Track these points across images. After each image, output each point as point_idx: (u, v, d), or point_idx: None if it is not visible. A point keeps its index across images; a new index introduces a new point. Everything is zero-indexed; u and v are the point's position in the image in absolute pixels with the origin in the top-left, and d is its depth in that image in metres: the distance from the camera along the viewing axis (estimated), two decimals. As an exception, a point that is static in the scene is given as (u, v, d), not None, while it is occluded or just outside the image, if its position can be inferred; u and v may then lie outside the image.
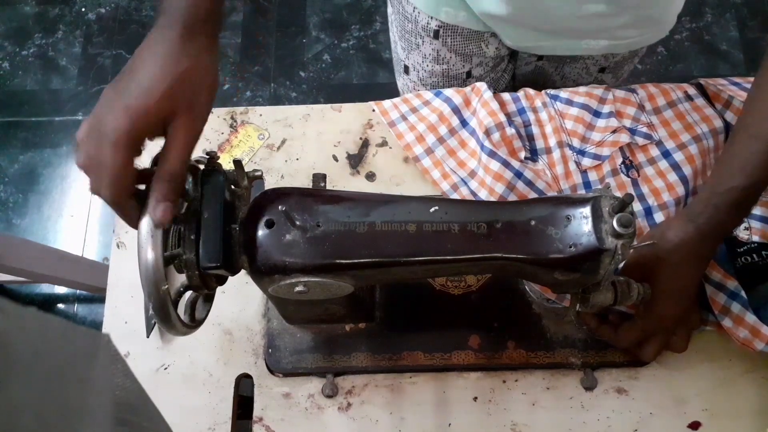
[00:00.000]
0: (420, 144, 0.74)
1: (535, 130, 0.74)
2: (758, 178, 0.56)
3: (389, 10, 0.86)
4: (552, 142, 0.73)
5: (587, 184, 0.71)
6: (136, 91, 0.43)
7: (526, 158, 0.72)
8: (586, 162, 0.72)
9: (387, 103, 0.78)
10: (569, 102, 0.75)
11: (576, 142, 0.73)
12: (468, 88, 0.76)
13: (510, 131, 0.72)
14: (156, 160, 0.70)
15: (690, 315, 0.64)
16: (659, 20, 0.76)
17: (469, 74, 0.84)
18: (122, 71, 0.45)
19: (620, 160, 0.72)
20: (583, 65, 0.83)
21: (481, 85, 0.75)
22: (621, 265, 0.66)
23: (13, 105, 1.78)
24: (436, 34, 0.79)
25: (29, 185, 1.70)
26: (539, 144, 0.74)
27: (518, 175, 0.69)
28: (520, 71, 0.91)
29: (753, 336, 0.63)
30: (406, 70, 0.89)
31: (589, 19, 0.72)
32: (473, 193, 0.71)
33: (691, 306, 0.63)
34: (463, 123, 0.75)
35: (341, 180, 0.76)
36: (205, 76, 0.46)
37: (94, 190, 0.44)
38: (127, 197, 0.44)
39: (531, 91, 0.77)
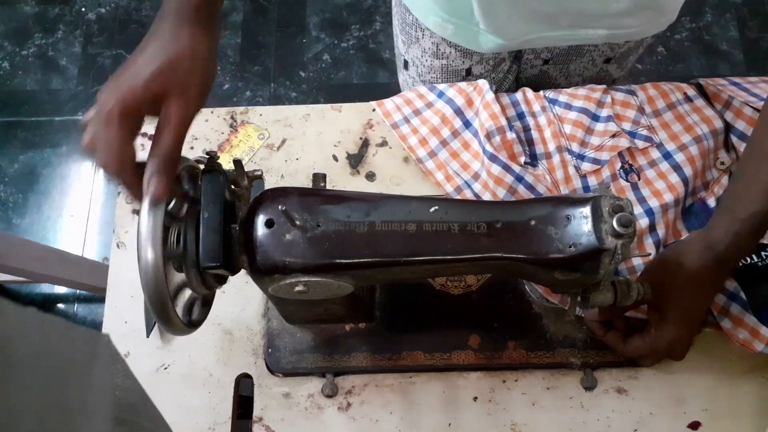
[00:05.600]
0: (423, 147, 0.74)
1: (534, 134, 0.74)
2: None
3: (393, 1, 0.85)
4: (551, 146, 0.73)
5: (586, 189, 0.71)
6: (128, 74, 0.47)
7: (526, 163, 0.72)
8: (586, 166, 0.72)
9: (389, 104, 0.78)
10: (568, 106, 0.74)
11: (575, 147, 0.73)
12: (470, 87, 0.76)
13: (511, 135, 0.71)
14: None
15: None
16: (659, 9, 0.74)
17: (468, 72, 0.84)
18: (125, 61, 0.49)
19: (619, 164, 0.72)
20: (590, 58, 0.82)
21: (483, 84, 0.74)
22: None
23: (13, 105, 1.78)
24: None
25: (29, 185, 1.70)
26: (539, 149, 0.74)
27: (519, 179, 0.69)
28: (525, 74, 0.90)
29: (753, 337, 0.62)
30: (406, 65, 0.89)
31: (587, 1, 0.70)
32: (477, 196, 0.71)
33: (699, 325, 0.64)
34: (466, 124, 0.74)
35: (341, 180, 0.76)
36: (198, 61, 0.48)
37: (101, 165, 0.46)
38: (130, 168, 0.46)
39: (530, 95, 0.76)
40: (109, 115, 0.45)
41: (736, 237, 0.57)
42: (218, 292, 0.57)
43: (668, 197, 0.69)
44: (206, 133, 0.78)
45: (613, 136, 0.72)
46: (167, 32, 0.48)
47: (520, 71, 0.90)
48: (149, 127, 0.82)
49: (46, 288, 1.60)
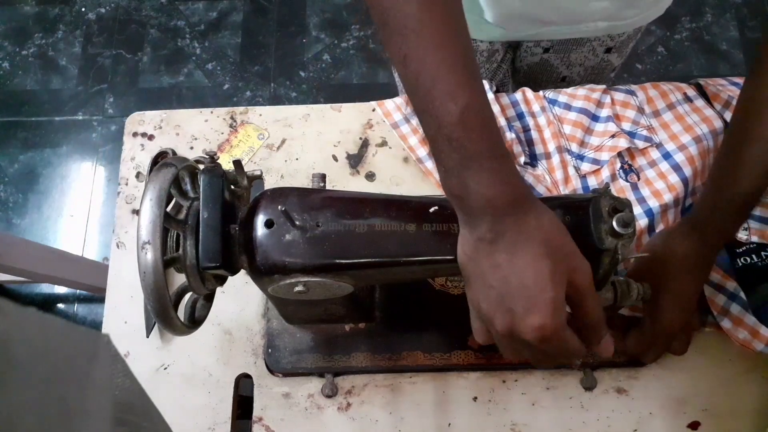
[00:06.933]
0: (423, 147, 0.74)
1: (534, 135, 0.74)
2: (763, 182, 0.55)
3: None
4: (551, 147, 0.73)
5: (586, 189, 0.71)
6: (522, 298, 0.43)
7: (525, 163, 0.72)
8: (585, 167, 0.72)
9: (390, 104, 0.78)
10: (567, 106, 0.74)
11: (575, 147, 0.73)
12: None
13: (510, 136, 0.71)
14: (155, 160, 0.70)
15: (691, 319, 0.64)
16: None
17: None
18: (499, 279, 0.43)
19: (619, 165, 0.72)
20: (590, 48, 0.83)
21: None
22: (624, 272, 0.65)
23: (13, 105, 1.78)
24: None
25: (29, 185, 1.70)
26: (538, 149, 0.74)
27: None
28: (525, 62, 0.90)
29: (752, 337, 0.63)
30: None
31: (591, 8, 0.71)
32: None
33: (694, 311, 0.64)
34: None
35: (341, 180, 0.76)
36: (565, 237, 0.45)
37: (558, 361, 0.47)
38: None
39: (529, 95, 0.76)
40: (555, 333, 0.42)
41: (721, 217, 0.57)
42: (218, 292, 0.57)
43: (668, 197, 0.69)
44: (206, 133, 0.78)
45: (613, 136, 0.72)
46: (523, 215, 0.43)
47: (521, 59, 0.90)
48: (149, 126, 0.81)
49: (46, 288, 1.60)
